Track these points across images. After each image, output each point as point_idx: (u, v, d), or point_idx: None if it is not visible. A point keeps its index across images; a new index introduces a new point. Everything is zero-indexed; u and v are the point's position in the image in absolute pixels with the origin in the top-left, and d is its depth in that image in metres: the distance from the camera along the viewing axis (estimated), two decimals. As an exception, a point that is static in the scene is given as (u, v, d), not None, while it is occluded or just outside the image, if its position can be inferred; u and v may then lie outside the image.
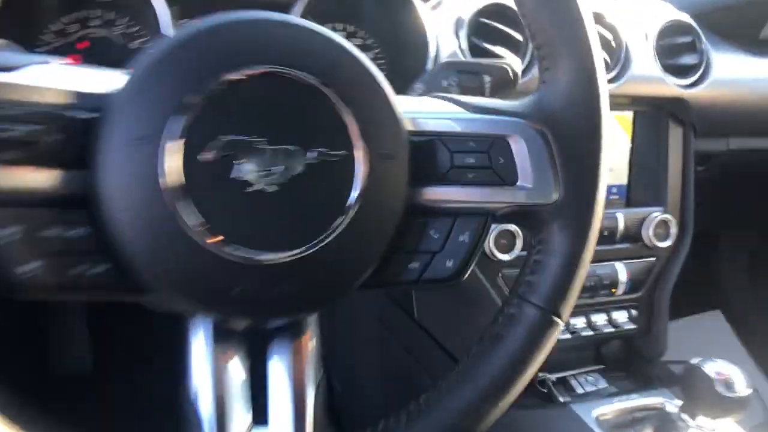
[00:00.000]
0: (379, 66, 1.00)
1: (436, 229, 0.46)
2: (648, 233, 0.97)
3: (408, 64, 0.86)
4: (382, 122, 0.43)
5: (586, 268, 0.47)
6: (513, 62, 0.60)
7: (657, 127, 0.99)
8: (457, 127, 0.47)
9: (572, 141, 0.46)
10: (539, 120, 0.47)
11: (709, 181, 1.09)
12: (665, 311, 1.01)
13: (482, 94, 0.58)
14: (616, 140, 1.00)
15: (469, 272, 0.47)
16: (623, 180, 1.02)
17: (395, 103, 0.44)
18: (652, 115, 0.99)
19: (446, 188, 0.46)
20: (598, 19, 0.90)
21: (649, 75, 0.93)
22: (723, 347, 1.59)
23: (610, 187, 1.01)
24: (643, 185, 1.01)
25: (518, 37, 0.85)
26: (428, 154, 0.46)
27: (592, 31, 0.46)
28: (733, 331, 1.61)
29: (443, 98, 0.51)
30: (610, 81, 0.90)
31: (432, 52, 0.82)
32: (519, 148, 0.47)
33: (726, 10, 1.00)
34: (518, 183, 0.47)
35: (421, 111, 0.48)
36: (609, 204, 1.01)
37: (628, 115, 1.00)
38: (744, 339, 1.60)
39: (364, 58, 0.43)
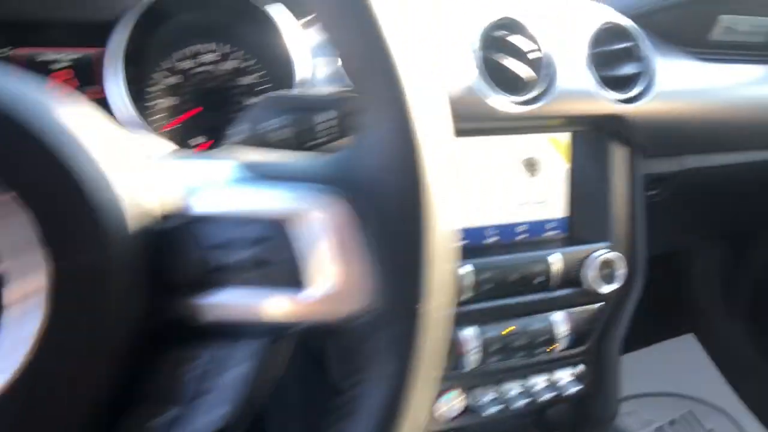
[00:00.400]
0: (266, 90, 0.86)
1: (190, 363, 0.31)
2: (590, 275, 0.81)
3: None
4: (73, 211, 0.27)
5: (421, 411, 0.31)
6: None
7: (598, 149, 0.84)
8: (222, 205, 0.31)
9: (387, 219, 0.31)
10: (343, 187, 0.31)
11: (662, 205, 0.94)
12: (616, 365, 0.86)
13: (312, 139, 0.43)
14: (555, 170, 0.85)
15: (248, 423, 0.31)
16: (561, 212, 0.87)
17: (97, 176, 0.28)
18: (593, 136, 0.84)
19: (204, 300, 0.31)
20: (515, 26, 0.75)
21: (580, 89, 0.77)
22: (698, 375, 1.45)
23: (545, 222, 0.86)
24: (586, 218, 0.86)
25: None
26: (175, 250, 0.30)
27: (410, 59, 0.31)
28: (708, 357, 1.46)
29: (224, 154, 0.35)
30: (533, 100, 0.75)
31: (304, 77, 0.67)
32: (311, 232, 0.31)
33: (670, 10, 0.85)
34: (312, 286, 0.31)
35: (174, 180, 0.32)
36: (546, 242, 0.86)
37: (565, 137, 0.85)
38: (720, 364, 1.46)
39: (26, 105, 0.27)
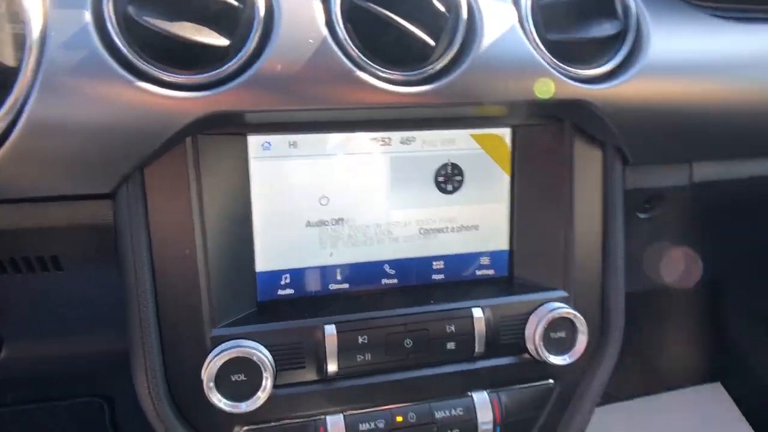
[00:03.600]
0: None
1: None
2: (535, 340, 0.52)
3: None
4: None
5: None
6: None
7: (554, 152, 0.54)
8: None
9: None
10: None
11: (662, 228, 0.62)
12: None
13: None
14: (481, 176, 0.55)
15: None
16: (501, 243, 0.57)
17: None
18: (545, 133, 0.54)
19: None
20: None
21: (516, 60, 0.47)
22: (729, 425, 1.10)
23: (473, 257, 0.56)
24: (534, 253, 0.56)
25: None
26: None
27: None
28: (737, 410, 1.11)
29: None
30: (433, 77, 0.45)
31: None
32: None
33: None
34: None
35: None
36: (472, 287, 0.56)
37: (502, 135, 0.55)
38: (753, 419, 1.10)
39: None
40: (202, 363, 0.46)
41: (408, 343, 0.50)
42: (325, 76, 0.43)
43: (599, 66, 0.50)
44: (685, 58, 0.53)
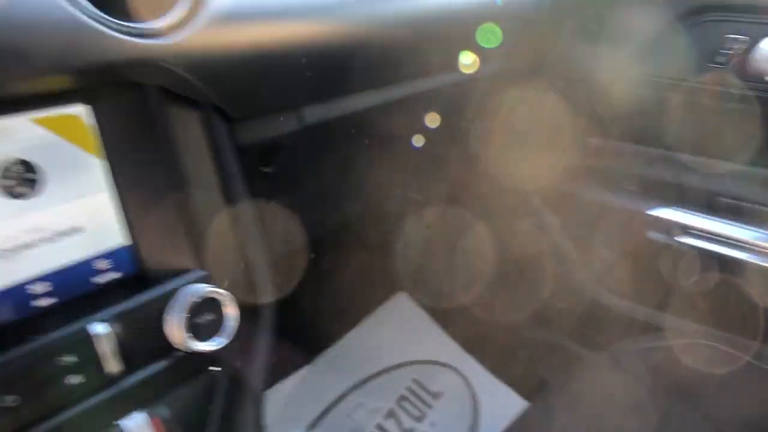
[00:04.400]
0: None
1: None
2: (181, 332, 0.45)
3: None
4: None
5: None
6: None
7: (147, 122, 0.47)
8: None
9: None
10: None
11: (289, 178, 0.62)
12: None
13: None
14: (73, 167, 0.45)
15: None
16: (118, 239, 0.48)
17: None
18: (130, 103, 0.46)
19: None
20: None
21: (49, 19, 0.38)
22: (420, 328, 1.26)
23: (88, 262, 0.47)
24: (158, 239, 0.49)
25: None
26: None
27: None
28: (422, 309, 1.29)
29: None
30: None
31: None
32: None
33: None
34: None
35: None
36: (96, 299, 0.47)
37: (77, 112, 0.45)
38: (436, 316, 1.29)
39: None
40: None
41: (11, 400, 0.38)
42: None
43: (162, 18, 0.44)
44: (259, 2, 0.51)
